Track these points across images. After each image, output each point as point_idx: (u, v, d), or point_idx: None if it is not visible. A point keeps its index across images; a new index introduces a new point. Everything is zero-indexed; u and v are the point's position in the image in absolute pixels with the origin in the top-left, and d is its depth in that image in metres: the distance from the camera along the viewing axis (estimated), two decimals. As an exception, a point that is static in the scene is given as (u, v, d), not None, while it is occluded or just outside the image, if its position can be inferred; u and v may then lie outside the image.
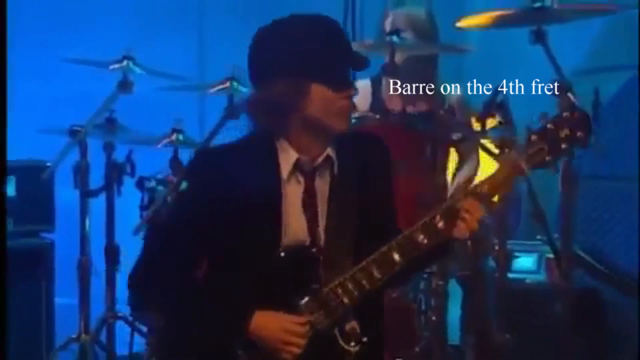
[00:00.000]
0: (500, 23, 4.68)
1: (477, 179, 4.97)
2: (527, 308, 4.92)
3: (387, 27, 4.95)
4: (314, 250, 3.22)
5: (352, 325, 3.19)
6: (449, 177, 4.82)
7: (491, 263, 4.64)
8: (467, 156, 4.92)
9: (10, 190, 5.37)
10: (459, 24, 4.71)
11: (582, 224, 5.53)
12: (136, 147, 5.13)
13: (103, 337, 5.21)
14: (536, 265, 5.27)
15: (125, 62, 5.07)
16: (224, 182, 3.20)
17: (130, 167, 5.12)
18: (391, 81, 4.88)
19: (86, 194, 5.16)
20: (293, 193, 3.24)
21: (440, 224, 3.19)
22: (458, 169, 4.93)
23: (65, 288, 5.40)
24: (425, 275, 4.47)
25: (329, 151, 3.26)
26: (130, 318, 5.15)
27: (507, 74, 5.64)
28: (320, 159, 3.26)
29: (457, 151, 4.85)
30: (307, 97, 3.19)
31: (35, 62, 5.97)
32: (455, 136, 4.65)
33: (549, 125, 3.20)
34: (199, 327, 3.22)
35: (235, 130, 3.41)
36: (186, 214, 3.25)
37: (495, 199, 3.34)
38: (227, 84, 4.88)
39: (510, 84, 4.47)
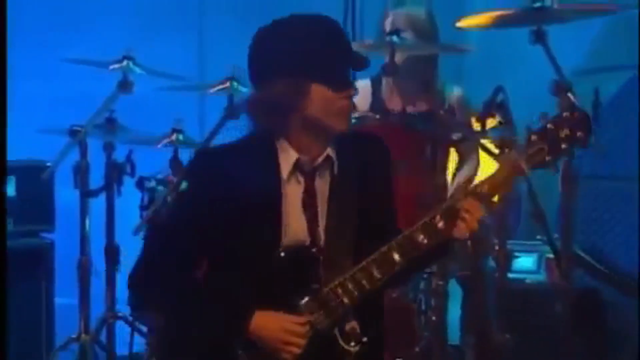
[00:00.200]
0: (500, 23, 4.68)
1: (477, 179, 4.99)
2: (527, 308, 4.92)
3: (387, 27, 4.95)
4: (314, 250, 3.22)
5: (352, 325, 3.19)
6: (449, 177, 4.82)
7: (491, 263, 4.64)
8: (467, 156, 4.92)
9: (10, 190, 5.37)
10: (459, 24, 4.71)
11: (582, 224, 5.53)
12: (136, 147, 5.13)
13: (103, 337, 5.21)
14: (536, 265, 5.27)
15: (125, 62, 5.07)
16: (224, 182, 3.20)
17: (130, 167, 5.12)
18: (391, 81, 4.89)
19: (86, 194, 5.17)
20: (293, 193, 3.24)
21: (440, 224, 3.19)
22: (458, 168, 4.93)
23: (65, 288, 5.40)
24: (425, 275, 4.47)
25: (329, 151, 3.26)
26: (130, 318, 5.15)
27: (507, 74, 5.65)
28: (320, 159, 3.26)
29: (457, 151, 4.85)
30: (307, 97, 3.19)
31: (35, 62, 5.97)
32: (455, 136, 4.65)
33: (549, 125, 3.21)
34: (198, 327, 3.22)
35: (235, 130, 3.41)
36: (186, 214, 3.25)
37: (495, 199, 3.34)
38: (227, 84, 4.89)
39: (511, 84, 4.46)
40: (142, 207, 5.05)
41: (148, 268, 3.26)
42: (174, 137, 5.02)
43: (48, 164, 5.16)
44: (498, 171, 3.24)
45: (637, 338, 4.87)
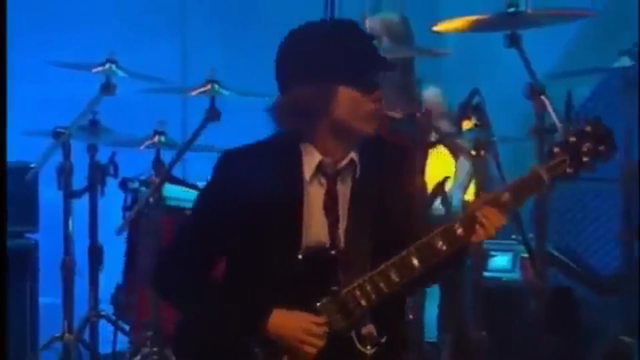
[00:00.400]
0: (475, 27, 4.71)
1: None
2: (503, 306, 4.95)
3: (365, 32, 5.03)
4: (333, 252, 3.21)
5: (369, 328, 3.18)
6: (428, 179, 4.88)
7: (468, 262, 4.69)
8: (460, 152, 4.97)
9: (-6, 191, 5.40)
10: (436, 28, 4.78)
11: (556, 224, 5.60)
12: (119, 149, 5.18)
13: (86, 336, 5.25)
14: (511, 264, 5.31)
15: (108, 65, 5.11)
16: (247, 182, 3.20)
17: (114, 169, 5.16)
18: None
19: (70, 194, 5.21)
20: (315, 195, 3.23)
21: (460, 231, 3.18)
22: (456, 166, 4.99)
23: (49, 288, 5.44)
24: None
25: (353, 155, 3.26)
26: (113, 317, 5.21)
27: (483, 76, 5.73)
28: (343, 163, 3.25)
29: (450, 148, 4.90)
30: (335, 100, 3.19)
31: (19, 64, 6.00)
32: (433, 138, 4.71)
33: (571, 139, 3.19)
34: (216, 324, 3.22)
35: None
36: (209, 212, 3.25)
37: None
38: (208, 87, 4.93)
39: (486, 87, 4.53)
40: (125, 208, 5.11)
41: (170, 264, 3.27)
42: (156, 138, 5.06)
43: (32, 165, 5.18)
44: (519, 181, 3.22)
45: (609, 334, 4.94)
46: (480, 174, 4.44)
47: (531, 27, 4.70)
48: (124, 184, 5.14)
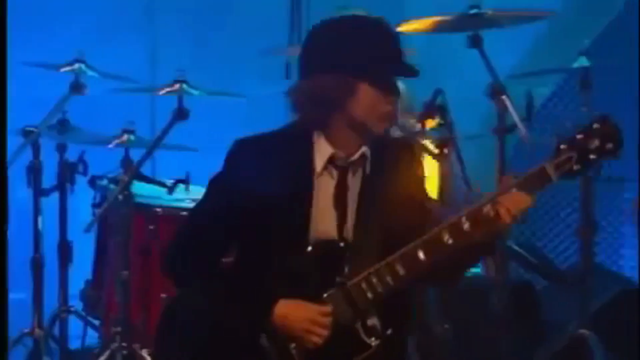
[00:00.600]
0: (438, 28, 4.78)
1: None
2: (465, 300, 5.02)
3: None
4: (341, 244, 3.23)
5: (374, 320, 3.21)
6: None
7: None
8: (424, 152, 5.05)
9: (-37, 190, 5.42)
10: (400, 29, 4.85)
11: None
12: (89, 147, 5.20)
13: (56, 332, 5.30)
14: (473, 259, 5.40)
15: (77, 65, 5.15)
16: (258, 170, 3.21)
17: (83, 167, 5.19)
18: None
19: (39, 192, 5.26)
20: (325, 187, 3.24)
21: (466, 226, 3.17)
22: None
23: (19, 284, 5.47)
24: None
25: (364, 149, 3.27)
26: (83, 313, 5.26)
27: (447, 76, 5.81)
28: (355, 156, 3.26)
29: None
30: (354, 96, 3.19)
31: (-12, 64, 6.02)
32: (397, 134, 4.78)
33: (578, 136, 3.17)
34: (224, 310, 3.24)
35: None
36: (220, 199, 3.26)
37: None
38: (177, 86, 4.96)
39: (450, 87, 4.61)
40: (94, 205, 5.13)
41: (181, 250, 3.29)
42: (125, 137, 5.08)
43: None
44: (525, 178, 3.21)
45: (566, 325, 5.03)
46: (443, 172, 4.53)
47: (492, 28, 4.79)
48: (93, 182, 5.16)
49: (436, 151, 4.48)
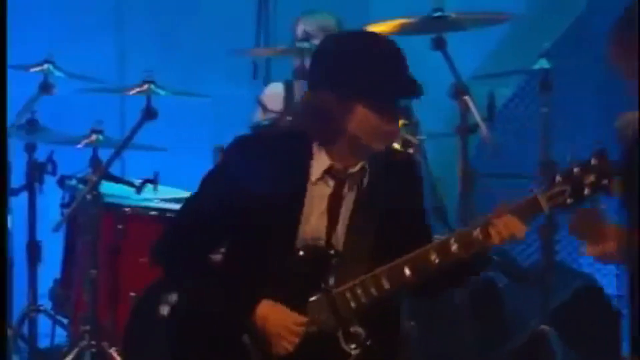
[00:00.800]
0: (402, 30, 4.83)
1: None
2: (429, 297, 5.09)
3: (299, 33, 5.19)
4: (330, 251, 3.25)
5: (357, 329, 3.22)
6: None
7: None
8: None
9: None
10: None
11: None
12: (57, 147, 5.21)
13: (25, 331, 5.29)
14: (438, 257, 5.44)
15: (45, 65, 5.18)
16: (255, 169, 3.24)
17: (52, 167, 5.19)
18: (303, 84, 5.10)
19: (8, 192, 5.28)
20: (319, 195, 3.27)
21: (454, 247, 3.18)
22: None
23: (-12, 283, 5.48)
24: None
25: (363, 163, 3.28)
26: (52, 311, 5.28)
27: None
28: (355, 168, 3.28)
29: None
30: (353, 118, 3.21)
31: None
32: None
33: (575, 170, 3.14)
34: (208, 305, 3.27)
35: None
36: (216, 194, 3.28)
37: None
38: (145, 87, 4.99)
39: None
40: (63, 205, 5.16)
41: (171, 242, 3.32)
42: (93, 137, 5.09)
43: (-30, 163, 5.24)
44: (517, 206, 3.20)
45: (528, 321, 5.10)
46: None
47: (455, 30, 4.88)
48: (62, 182, 5.17)
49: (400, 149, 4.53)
